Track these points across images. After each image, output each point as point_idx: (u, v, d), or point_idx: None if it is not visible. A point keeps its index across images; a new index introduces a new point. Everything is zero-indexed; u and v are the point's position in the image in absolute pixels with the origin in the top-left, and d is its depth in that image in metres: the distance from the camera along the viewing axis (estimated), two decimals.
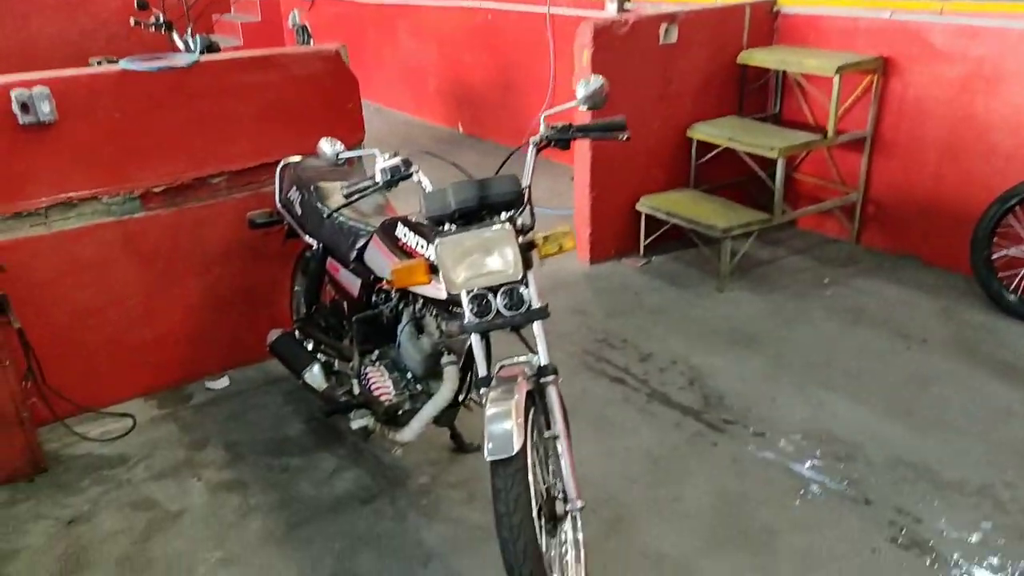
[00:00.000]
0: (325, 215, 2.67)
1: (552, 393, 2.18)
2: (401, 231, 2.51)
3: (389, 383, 2.64)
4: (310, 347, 3.16)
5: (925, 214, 4.63)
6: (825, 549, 2.57)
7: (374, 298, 2.75)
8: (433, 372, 2.61)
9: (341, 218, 2.89)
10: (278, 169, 3.28)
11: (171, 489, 2.96)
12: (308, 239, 3.04)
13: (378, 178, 2.37)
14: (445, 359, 2.55)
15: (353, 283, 2.82)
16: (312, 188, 3.04)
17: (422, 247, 2.39)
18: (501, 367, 2.23)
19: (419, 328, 2.59)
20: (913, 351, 3.74)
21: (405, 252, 2.47)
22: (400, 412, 2.66)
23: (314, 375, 2.97)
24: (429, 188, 2.35)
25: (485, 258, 2.13)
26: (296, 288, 3.55)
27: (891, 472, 2.92)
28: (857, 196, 4.88)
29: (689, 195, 4.84)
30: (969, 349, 3.74)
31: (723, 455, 3.06)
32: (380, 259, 2.60)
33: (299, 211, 3.08)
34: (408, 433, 2.62)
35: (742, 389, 3.47)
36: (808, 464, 2.98)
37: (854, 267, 4.68)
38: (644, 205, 4.76)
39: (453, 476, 2.95)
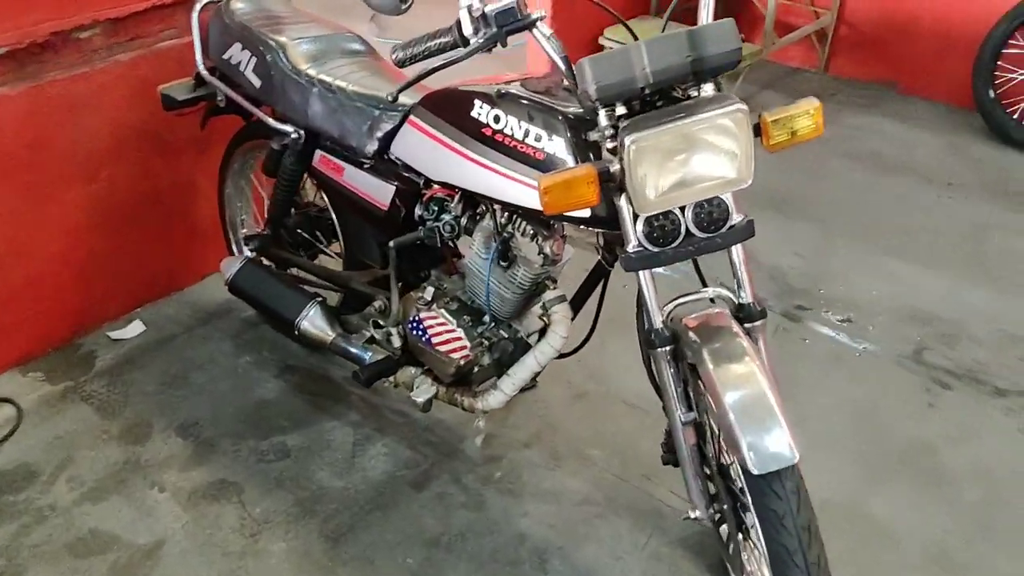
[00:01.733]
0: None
1: (762, 346, 1.49)
2: (485, 112, 1.61)
3: (460, 332, 1.82)
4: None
5: (905, 37, 4.17)
6: (997, 461, 2.16)
7: (419, 211, 1.85)
8: (521, 310, 1.83)
9: (338, 86, 1.91)
10: (194, 13, 2.15)
11: (124, 512, 2.02)
12: (276, 123, 2.03)
13: (468, 30, 1.45)
14: (550, 294, 1.77)
15: (378, 191, 1.90)
16: (278, 46, 2.00)
17: (540, 141, 1.53)
18: (676, 308, 1.51)
19: (504, 251, 1.75)
20: (949, 199, 3.37)
21: (491, 144, 1.59)
22: (476, 369, 1.88)
23: (318, 322, 2.06)
24: (557, 48, 1.47)
25: (696, 158, 1.34)
26: (233, 191, 2.52)
27: (1007, 351, 2.55)
28: (830, 19, 4.33)
29: (654, 25, 4.07)
30: (1000, 191, 3.42)
31: (821, 353, 2.55)
32: (435, 153, 1.70)
33: (255, 81, 2.04)
34: (498, 397, 1.85)
35: (801, 266, 2.94)
36: (917, 353, 2.54)
37: (834, 100, 4.20)
38: (610, 38, 3.95)
39: (518, 428, 2.23)
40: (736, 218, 1.43)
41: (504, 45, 1.47)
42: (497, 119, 1.58)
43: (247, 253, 2.35)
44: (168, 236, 2.65)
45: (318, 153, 2.01)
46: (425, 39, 1.51)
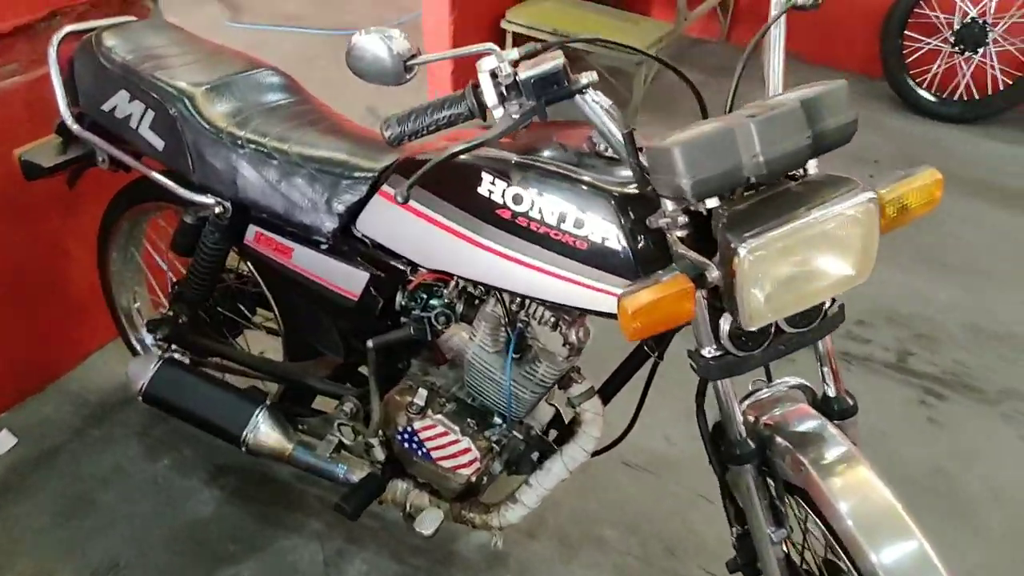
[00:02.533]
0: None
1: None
2: (499, 189, 1.25)
3: (466, 441, 1.48)
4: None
5: None
6: (1009, 478, 2.07)
7: (401, 299, 1.48)
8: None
9: (275, 148, 1.49)
10: (52, 48, 1.63)
11: None
12: (189, 195, 1.57)
13: (492, 101, 1.09)
14: (578, 388, 1.46)
15: (344, 278, 1.49)
16: (181, 96, 1.53)
17: (583, 228, 1.20)
18: (752, 409, 1.26)
19: (520, 344, 1.42)
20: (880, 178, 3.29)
21: (512, 230, 1.25)
22: (485, 480, 1.56)
23: (271, 432, 1.65)
24: (616, 121, 1.14)
25: (818, 258, 1.06)
26: (121, 264, 2.01)
27: (985, 350, 2.48)
28: None
29: (572, 3, 3.74)
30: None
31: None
32: (429, 237, 1.34)
33: (155, 142, 1.56)
34: (518, 512, 1.54)
35: None
36: (901, 360, 2.42)
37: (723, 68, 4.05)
38: (514, 21, 3.58)
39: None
40: (829, 307, 1.17)
41: (544, 119, 1.12)
42: (518, 199, 1.23)
43: (152, 345, 1.88)
44: (34, 316, 2.11)
45: (252, 229, 1.57)
46: (429, 110, 1.13)
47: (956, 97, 3.64)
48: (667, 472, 2.00)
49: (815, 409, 1.27)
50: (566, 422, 1.57)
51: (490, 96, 1.09)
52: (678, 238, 1.09)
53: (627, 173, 1.20)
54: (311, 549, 1.84)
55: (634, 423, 1.50)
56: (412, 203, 1.35)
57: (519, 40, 3.64)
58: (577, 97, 1.11)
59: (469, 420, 1.49)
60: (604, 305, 1.21)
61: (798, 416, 1.25)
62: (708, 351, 1.13)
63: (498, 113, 1.11)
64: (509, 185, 1.24)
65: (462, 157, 1.26)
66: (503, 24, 3.60)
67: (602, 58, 3.79)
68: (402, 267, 1.43)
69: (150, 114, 1.55)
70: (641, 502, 1.95)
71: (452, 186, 1.30)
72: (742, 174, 1.00)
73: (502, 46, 3.64)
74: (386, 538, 1.87)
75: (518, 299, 1.38)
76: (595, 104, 1.12)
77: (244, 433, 1.65)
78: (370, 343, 1.48)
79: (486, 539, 1.73)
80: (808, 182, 1.07)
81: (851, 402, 1.27)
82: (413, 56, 1.09)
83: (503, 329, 1.41)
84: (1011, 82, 3.51)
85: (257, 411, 1.66)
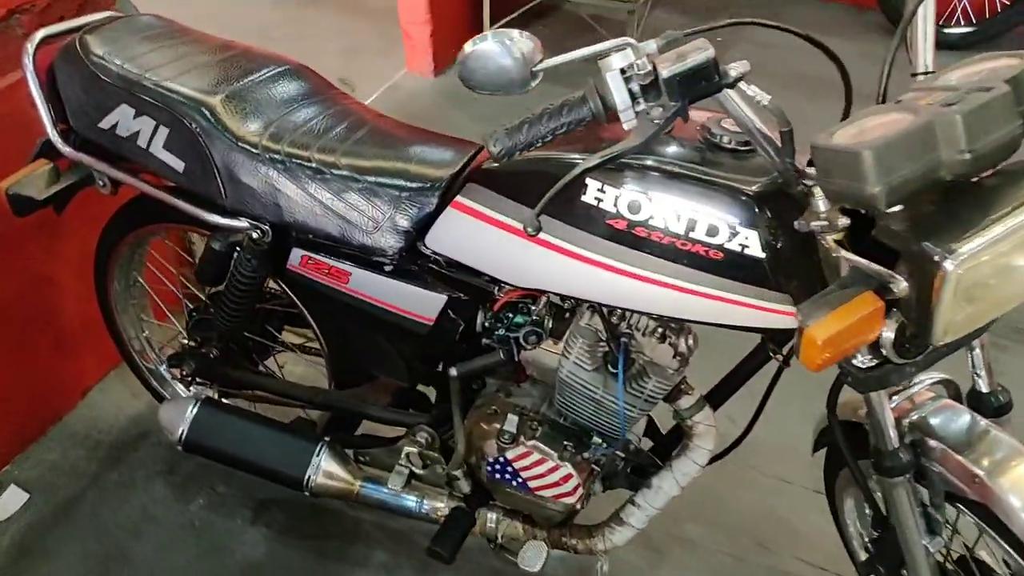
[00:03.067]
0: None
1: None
2: (609, 197, 1.08)
3: (567, 467, 1.34)
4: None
5: None
6: None
7: (482, 320, 1.31)
8: None
9: (322, 161, 1.29)
10: (27, 57, 1.38)
11: None
12: (219, 219, 1.36)
13: (621, 103, 0.92)
14: (687, 400, 1.32)
15: (416, 301, 1.31)
16: (200, 108, 1.31)
17: (716, 236, 1.04)
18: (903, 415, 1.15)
19: (625, 360, 1.26)
20: None
21: (628, 242, 1.09)
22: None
23: (335, 471, 1.49)
24: (777, 114, 0.97)
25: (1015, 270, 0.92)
26: (123, 293, 1.79)
27: None
28: None
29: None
30: None
31: None
32: (520, 254, 1.17)
33: (174, 163, 1.34)
34: (626, 534, 1.42)
35: None
36: None
37: (727, 14, 3.88)
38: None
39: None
40: None
41: (686, 120, 0.95)
42: (635, 207, 1.07)
43: (174, 380, 1.69)
44: (26, 355, 1.88)
45: (297, 253, 1.37)
46: (544, 119, 0.95)
47: (954, 23, 3.54)
48: (740, 457, 1.89)
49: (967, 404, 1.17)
50: (663, 431, 1.44)
51: (621, 98, 0.92)
52: (836, 243, 0.96)
53: (756, 164, 1.05)
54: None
55: (749, 431, 1.37)
56: (493, 215, 1.18)
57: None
58: (725, 91, 0.94)
59: (566, 443, 1.35)
60: (754, 321, 1.06)
61: (951, 417, 1.14)
62: (863, 360, 1.01)
63: (627, 116, 0.94)
64: (622, 191, 1.08)
65: (553, 161, 1.10)
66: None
67: (582, 6, 3.59)
68: (486, 286, 1.26)
69: (163, 131, 1.33)
70: (719, 492, 1.84)
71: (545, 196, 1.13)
72: (941, 175, 0.85)
73: (479, 4, 3.40)
74: (461, 562, 1.73)
75: (619, 311, 1.24)
76: (740, 102, 0.95)
77: (307, 475, 1.48)
78: (453, 371, 1.31)
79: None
80: (1003, 172, 0.93)
81: (1006, 397, 1.17)
82: (541, 60, 0.91)
83: (602, 344, 1.26)
84: (1009, 3, 3.41)
85: (317, 450, 1.49)
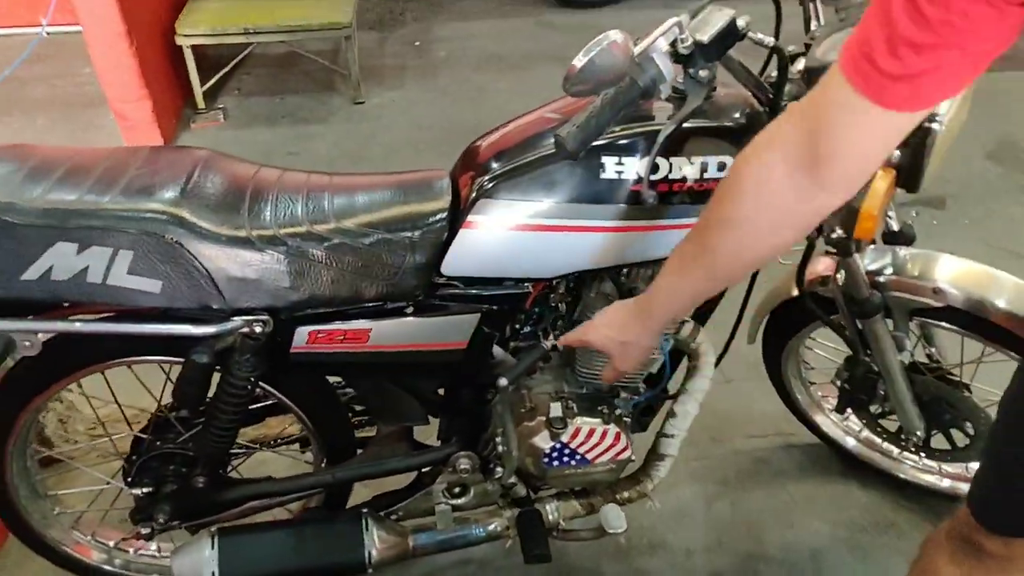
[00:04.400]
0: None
1: None
2: (628, 166, 1.22)
3: (612, 428, 1.45)
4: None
5: None
6: None
7: (517, 323, 1.38)
8: None
9: (325, 231, 1.25)
10: None
11: None
12: (203, 328, 1.24)
13: (669, 75, 1.07)
14: (685, 329, 1.50)
15: (448, 330, 1.33)
16: (169, 217, 1.18)
17: (726, 168, 1.24)
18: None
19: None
20: None
21: (635, 199, 1.24)
22: None
23: (387, 536, 1.46)
24: None
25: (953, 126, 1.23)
26: (28, 469, 1.51)
27: None
28: None
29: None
30: None
31: None
32: (551, 246, 1.26)
33: (147, 286, 1.18)
34: (667, 465, 1.58)
35: None
36: None
37: (402, 18, 4.09)
38: (191, 33, 3.14)
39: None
40: None
41: (714, 89, 1.12)
42: (653, 168, 1.22)
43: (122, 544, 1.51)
44: None
45: (302, 332, 1.30)
46: (606, 109, 1.06)
47: None
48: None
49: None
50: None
51: (668, 71, 1.07)
52: None
53: (728, 104, 1.25)
54: None
55: (732, 339, 1.60)
56: (520, 216, 1.26)
57: (200, 50, 3.25)
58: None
59: (600, 407, 1.47)
60: None
61: (887, 255, 1.49)
62: (839, 234, 1.29)
63: (666, 91, 1.09)
64: (638, 158, 1.22)
65: (556, 158, 1.22)
66: (177, 40, 3.15)
67: (304, 44, 3.56)
68: (517, 290, 1.33)
69: (125, 255, 1.18)
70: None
71: (566, 184, 1.24)
72: None
73: (182, 65, 3.22)
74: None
75: (624, 271, 1.39)
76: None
77: (366, 554, 1.43)
78: (503, 381, 1.36)
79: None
80: None
81: (910, 230, 1.51)
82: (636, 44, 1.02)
83: None
84: None
85: (364, 526, 1.45)
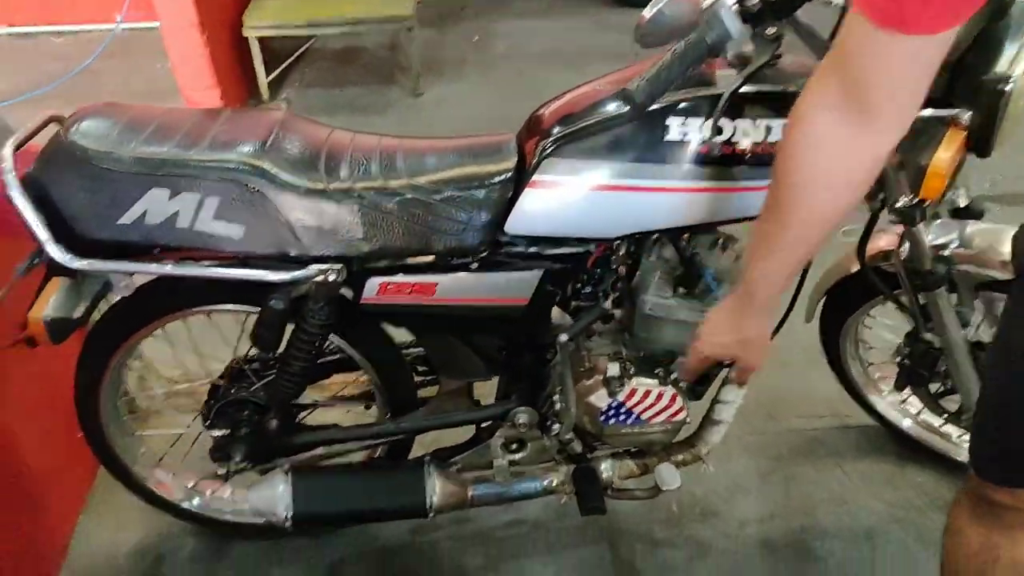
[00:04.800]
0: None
1: None
2: (693, 128, 1.26)
3: (669, 389, 1.49)
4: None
5: None
6: None
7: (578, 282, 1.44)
8: None
9: (401, 186, 1.32)
10: (9, 175, 1.22)
11: None
12: (283, 275, 1.32)
13: (737, 32, 1.11)
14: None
15: (510, 287, 1.38)
16: (253, 168, 1.26)
17: None
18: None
19: (698, 278, 1.46)
20: None
21: (719, 162, 1.28)
22: None
23: (448, 485, 1.54)
24: None
25: None
26: (115, 408, 1.61)
27: None
28: None
29: None
30: None
31: None
32: (614, 204, 1.31)
33: (231, 232, 1.27)
34: (721, 430, 1.60)
35: None
36: None
37: (460, 14, 4.18)
38: (257, 25, 3.28)
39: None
40: None
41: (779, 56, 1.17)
42: (718, 130, 1.26)
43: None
44: (3, 527, 1.61)
45: (374, 283, 1.37)
46: (675, 65, 1.11)
47: None
48: None
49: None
50: None
51: (737, 28, 1.10)
52: None
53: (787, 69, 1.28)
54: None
55: (793, 306, 1.63)
56: (584, 176, 1.30)
57: (265, 43, 3.38)
58: None
59: (656, 370, 1.51)
60: None
61: (955, 229, 1.49)
62: (905, 201, 1.31)
63: (733, 48, 1.13)
64: (703, 120, 1.26)
65: (621, 119, 1.27)
66: (244, 32, 3.29)
67: (365, 37, 3.67)
68: (580, 248, 1.38)
69: (211, 202, 1.26)
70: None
71: (629, 145, 1.28)
72: None
73: (248, 57, 3.35)
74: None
75: (685, 236, 1.42)
76: None
77: (428, 499, 1.49)
78: (563, 337, 1.41)
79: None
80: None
81: (979, 205, 1.51)
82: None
83: (675, 271, 1.44)
84: None
85: (426, 472, 1.51)
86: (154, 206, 1.27)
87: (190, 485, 1.72)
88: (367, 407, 1.75)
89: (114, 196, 1.26)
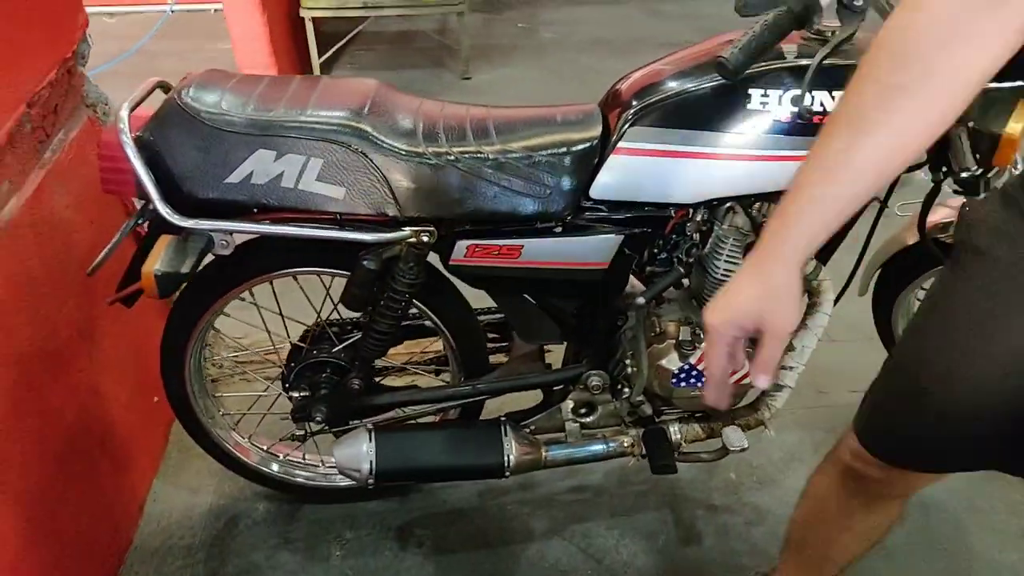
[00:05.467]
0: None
1: None
2: (774, 98, 1.31)
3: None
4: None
5: None
6: None
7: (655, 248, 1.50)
8: None
9: (497, 151, 1.38)
10: (125, 135, 1.29)
11: None
12: (379, 235, 1.39)
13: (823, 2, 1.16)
14: (809, 265, 1.58)
15: (591, 250, 1.44)
16: (357, 132, 1.33)
17: None
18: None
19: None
20: None
21: (797, 131, 1.33)
22: None
23: (523, 446, 1.58)
24: None
25: None
26: (198, 371, 1.69)
27: None
28: None
29: None
30: None
31: None
32: (694, 170, 1.36)
33: (332, 192, 1.33)
34: (785, 394, 1.64)
35: None
36: None
37: (508, 2, 4.24)
38: (314, 7, 3.35)
39: None
40: None
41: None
42: (796, 100, 1.31)
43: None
44: (86, 484, 1.69)
45: (462, 246, 1.44)
46: (765, 33, 1.17)
47: None
48: None
49: None
50: None
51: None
52: None
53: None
54: (566, 546, 1.79)
55: (856, 272, 1.67)
56: (667, 144, 1.36)
57: (317, 24, 3.45)
58: None
59: None
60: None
61: None
62: (971, 171, 1.35)
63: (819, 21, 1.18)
64: (782, 91, 1.31)
65: (704, 89, 1.32)
66: (301, 12, 3.36)
67: (419, 21, 3.73)
68: (660, 214, 1.44)
69: (315, 163, 1.33)
70: None
71: (710, 114, 1.34)
72: None
73: (302, 37, 3.43)
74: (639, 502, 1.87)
75: (756, 204, 1.47)
76: None
77: (506, 458, 1.55)
78: (640, 300, 1.47)
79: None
80: None
81: None
82: None
83: (748, 237, 1.49)
84: None
85: (503, 433, 1.57)
86: (260, 166, 1.33)
87: (265, 448, 1.79)
88: (437, 373, 1.82)
89: (224, 156, 1.33)
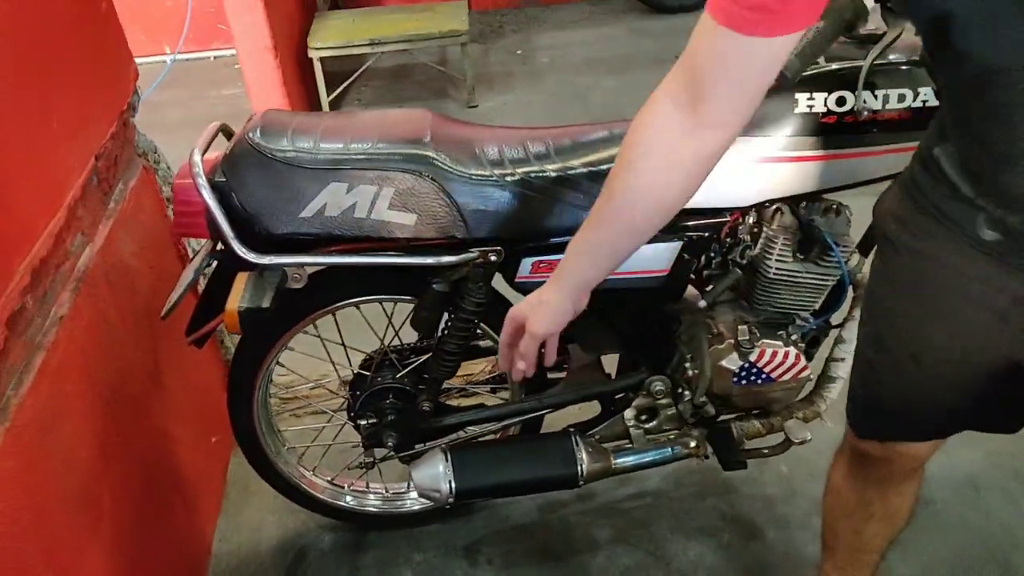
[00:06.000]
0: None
1: None
2: (822, 101, 1.38)
3: (792, 350, 1.60)
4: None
5: None
6: None
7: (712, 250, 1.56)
8: None
9: (559, 169, 1.44)
10: (200, 179, 1.34)
11: None
12: (449, 258, 1.44)
13: (868, 7, 1.23)
14: (855, 258, 1.64)
15: (649, 258, 1.50)
16: (424, 161, 1.38)
17: (917, 99, 1.39)
18: None
19: (814, 241, 1.56)
20: None
21: (850, 130, 1.40)
22: None
23: (595, 455, 1.61)
24: None
25: None
26: (266, 407, 1.72)
27: None
28: None
29: (358, 14, 3.64)
30: None
31: None
32: (751, 173, 1.43)
33: (403, 219, 1.39)
34: (838, 386, 1.70)
35: None
36: None
37: (498, 33, 4.33)
38: (321, 46, 3.42)
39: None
40: None
41: None
42: (841, 102, 1.38)
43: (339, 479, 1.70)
44: (157, 523, 1.72)
45: (527, 263, 1.49)
46: (817, 40, 1.23)
47: None
48: None
49: None
50: None
51: (871, 3, 1.23)
52: None
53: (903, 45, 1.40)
54: (632, 551, 1.83)
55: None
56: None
57: (325, 64, 3.51)
58: None
59: (779, 332, 1.61)
60: None
61: None
62: None
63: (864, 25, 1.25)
64: (827, 94, 1.38)
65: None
66: (309, 53, 3.43)
67: (418, 54, 3.81)
68: (717, 218, 1.49)
69: (387, 192, 1.38)
70: None
71: (762, 118, 1.40)
72: None
73: (310, 77, 3.49)
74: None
75: (802, 204, 1.54)
76: None
77: (579, 469, 1.59)
78: (702, 303, 1.52)
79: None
80: None
81: None
82: None
83: (797, 235, 1.55)
84: None
85: (574, 444, 1.61)
86: (333, 199, 1.38)
87: (329, 480, 1.82)
88: (493, 391, 1.86)
89: (298, 191, 1.38)
